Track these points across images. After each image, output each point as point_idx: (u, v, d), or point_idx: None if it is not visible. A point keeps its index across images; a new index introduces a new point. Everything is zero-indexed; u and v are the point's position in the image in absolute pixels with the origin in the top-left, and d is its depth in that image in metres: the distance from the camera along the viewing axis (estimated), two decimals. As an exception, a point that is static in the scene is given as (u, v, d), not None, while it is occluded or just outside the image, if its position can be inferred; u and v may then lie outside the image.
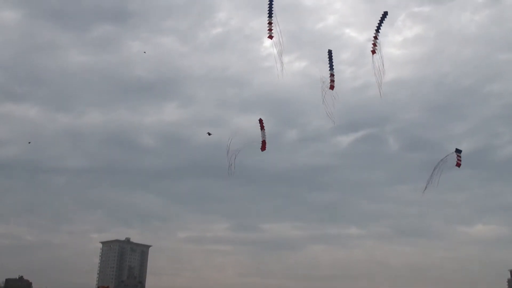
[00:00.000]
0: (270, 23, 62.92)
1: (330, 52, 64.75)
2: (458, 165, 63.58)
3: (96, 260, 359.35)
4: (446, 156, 61.81)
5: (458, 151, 62.89)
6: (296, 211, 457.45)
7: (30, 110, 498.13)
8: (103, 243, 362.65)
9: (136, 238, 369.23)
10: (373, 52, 63.22)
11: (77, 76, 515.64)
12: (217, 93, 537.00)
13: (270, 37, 63.25)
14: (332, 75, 64.42)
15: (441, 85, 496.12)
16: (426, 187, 61.30)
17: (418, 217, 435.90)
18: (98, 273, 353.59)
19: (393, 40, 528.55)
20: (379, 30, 62.83)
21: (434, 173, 61.46)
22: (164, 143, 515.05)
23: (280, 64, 64.09)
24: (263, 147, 69.93)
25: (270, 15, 62.63)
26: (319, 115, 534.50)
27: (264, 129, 68.30)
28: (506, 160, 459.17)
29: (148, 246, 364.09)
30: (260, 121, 68.60)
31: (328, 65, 64.17)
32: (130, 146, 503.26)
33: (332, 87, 64.03)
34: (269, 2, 62.47)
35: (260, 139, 68.97)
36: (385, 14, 62.87)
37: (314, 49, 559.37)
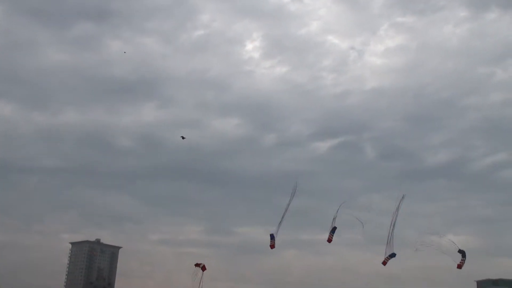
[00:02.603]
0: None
1: (334, 228, 76.95)
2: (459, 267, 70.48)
3: (65, 261, 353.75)
4: None
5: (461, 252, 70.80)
6: (269, 216, 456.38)
7: (5, 108, 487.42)
8: (72, 243, 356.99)
9: (107, 240, 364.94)
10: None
11: (54, 74, 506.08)
12: (196, 95, 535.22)
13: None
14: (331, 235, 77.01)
15: (421, 95, 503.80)
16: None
17: (390, 226, 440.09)
18: (66, 274, 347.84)
19: (375, 49, 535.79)
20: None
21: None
22: (140, 144, 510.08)
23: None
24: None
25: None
26: (298, 120, 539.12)
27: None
28: (480, 172, 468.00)
29: (118, 248, 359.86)
30: None
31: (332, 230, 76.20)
32: (106, 146, 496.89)
33: (330, 240, 76.80)
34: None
35: None
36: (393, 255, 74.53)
37: (295, 55, 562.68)
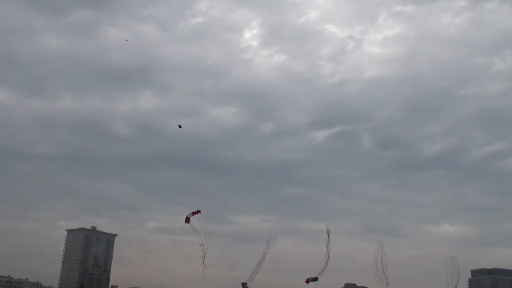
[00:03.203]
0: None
1: (316, 278, 78.54)
2: None
3: (61, 248, 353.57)
4: None
5: None
6: (266, 205, 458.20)
7: (1, 94, 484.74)
8: (68, 231, 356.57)
9: (103, 227, 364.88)
10: None
11: (51, 60, 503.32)
12: (194, 84, 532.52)
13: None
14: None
15: (418, 85, 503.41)
16: None
17: (387, 215, 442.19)
18: (62, 262, 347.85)
19: (374, 38, 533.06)
20: None
21: None
22: (137, 132, 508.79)
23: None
24: None
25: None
26: (295, 109, 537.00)
27: None
28: (477, 162, 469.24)
29: (114, 235, 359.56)
30: None
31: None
32: (103, 134, 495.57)
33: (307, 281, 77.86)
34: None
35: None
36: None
37: (294, 44, 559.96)
